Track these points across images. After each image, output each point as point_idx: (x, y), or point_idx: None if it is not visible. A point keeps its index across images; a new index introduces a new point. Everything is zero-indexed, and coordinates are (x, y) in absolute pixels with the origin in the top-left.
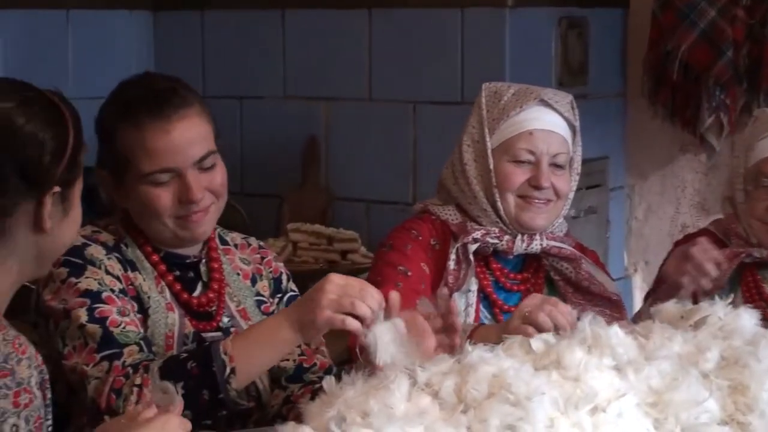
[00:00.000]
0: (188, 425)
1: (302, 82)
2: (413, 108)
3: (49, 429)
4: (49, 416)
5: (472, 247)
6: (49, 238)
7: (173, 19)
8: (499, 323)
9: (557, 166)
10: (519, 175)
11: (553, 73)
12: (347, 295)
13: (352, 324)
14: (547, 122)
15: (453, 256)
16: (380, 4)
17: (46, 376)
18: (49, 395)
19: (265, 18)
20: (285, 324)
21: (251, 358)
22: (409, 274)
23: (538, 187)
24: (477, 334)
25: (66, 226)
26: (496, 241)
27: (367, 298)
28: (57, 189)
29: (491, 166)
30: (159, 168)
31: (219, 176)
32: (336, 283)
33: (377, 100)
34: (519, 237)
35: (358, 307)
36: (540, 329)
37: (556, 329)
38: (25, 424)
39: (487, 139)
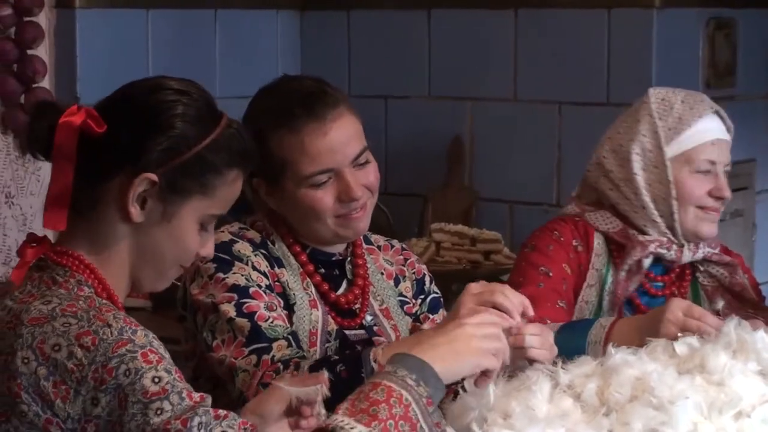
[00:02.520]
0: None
1: (447, 82)
2: (558, 108)
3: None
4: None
5: (647, 262)
6: (142, 234)
7: (319, 18)
8: (636, 321)
9: (726, 175)
10: (702, 187)
11: (700, 74)
12: (486, 337)
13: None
14: (722, 131)
15: (626, 267)
16: (527, 5)
17: (171, 362)
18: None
19: (411, 18)
20: None
21: None
22: (551, 274)
23: (720, 198)
24: (616, 329)
25: (165, 234)
26: (665, 251)
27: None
28: (152, 177)
29: (671, 178)
30: (319, 170)
31: (372, 172)
32: (472, 324)
33: (522, 100)
34: (686, 246)
35: (505, 353)
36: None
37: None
38: (167, 374)
39: (665, 149)
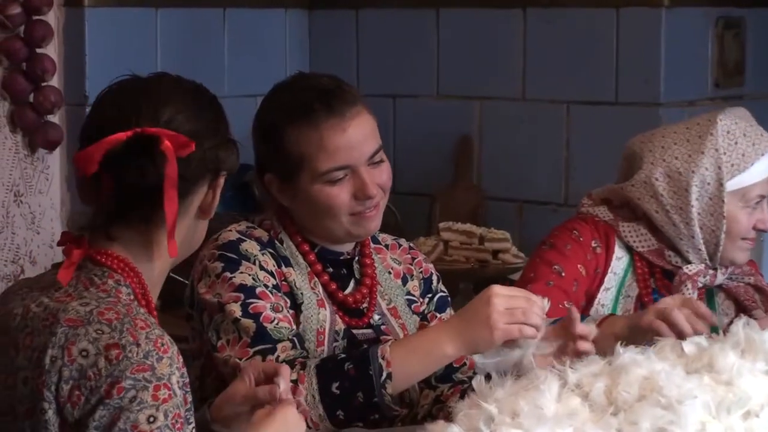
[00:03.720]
0: (303, 421)
1: (456, 81)
2: (567, 108)
3: (193, 430)
4: (191, 419)
5: (694, 293)
6: (203, 224)
7: (328, 17)
8: (630, 315)
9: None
10: (750, 221)
11: (709, 73)
12: (516, 305)
13: (529, 331)
14: None
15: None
16: (535, 4)
17: (187, 380)
18: (189, 398)
19: (420, 17)
20: (448, 341)
21: (408, 366)
22: (563, 274)
23: (764, 230)
24: (604, 324)
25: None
26: (702, 277)
27: (535, 307)
28: (225, 174)
29: (725, 213)
30: (336, 166)
31: (386, 171)
32: (502, 295)
33: (531, 99)
34: (720, 270)
35: (530, 316)
36: (674, 329)
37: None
38: (164, 418)
39: (725, 184)
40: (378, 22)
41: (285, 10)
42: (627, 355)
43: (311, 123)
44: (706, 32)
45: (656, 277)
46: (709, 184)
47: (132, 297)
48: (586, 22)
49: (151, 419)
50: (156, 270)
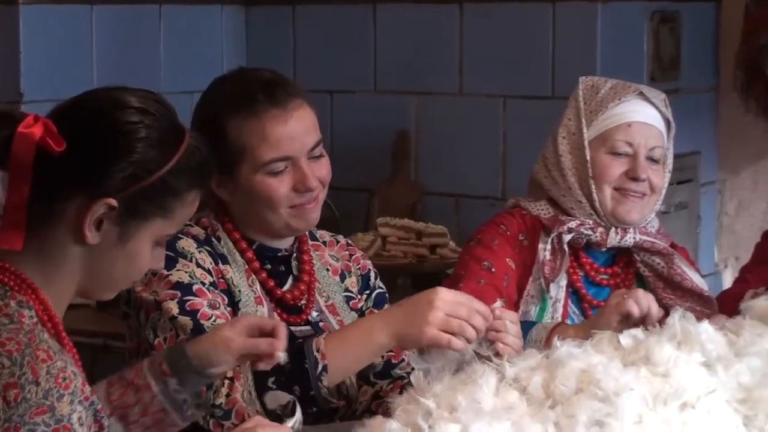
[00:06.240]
0: None
1: (393, 76)
2: (503, 102)
3: None
4: None
5: (567, 237)
6: (94, 256)
7: (265, 13)
8: (580, 323)
9: (653, 160)
10: (616, 167)
11: (645, 68)
12: (456, 315)
13: (458, 344)
14: (646, 115)
15: (548, 247)
16: None
17: (98, 406)
18: (106, 423)
19: (357, 12)
20: (382, 331)
21: (343, 358)
22: (493, 270)
23: (635, 179)
24: (556, 332)
25: (119, 257)
26: (590, 232)
27: (475, 318)
28: (111, 202)
29: (588, 158)
30: (278, 156)
31: (326, 166)
32: (446, 299)
33: (468, 94)
34: (613, 229)
35: (466, 330)
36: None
37: (645, 320)
38: None
39: (584, 130)
40: (314, 17)
41: (221, 6)
42: (564, 348)
43: (254, 113)
44: (642, 27)
45: (582, 263)
46: (573, 134)
47: (35, 320)
48: (522, 16)
49: None
50: (59, 285)
